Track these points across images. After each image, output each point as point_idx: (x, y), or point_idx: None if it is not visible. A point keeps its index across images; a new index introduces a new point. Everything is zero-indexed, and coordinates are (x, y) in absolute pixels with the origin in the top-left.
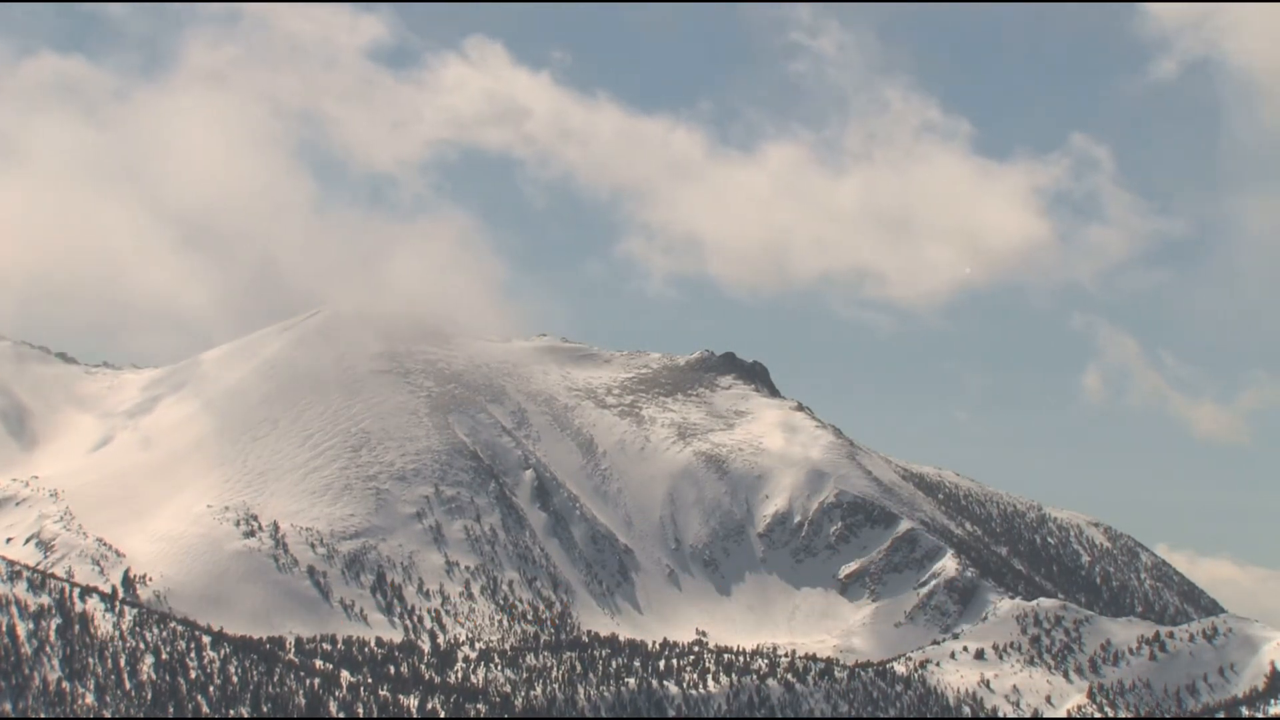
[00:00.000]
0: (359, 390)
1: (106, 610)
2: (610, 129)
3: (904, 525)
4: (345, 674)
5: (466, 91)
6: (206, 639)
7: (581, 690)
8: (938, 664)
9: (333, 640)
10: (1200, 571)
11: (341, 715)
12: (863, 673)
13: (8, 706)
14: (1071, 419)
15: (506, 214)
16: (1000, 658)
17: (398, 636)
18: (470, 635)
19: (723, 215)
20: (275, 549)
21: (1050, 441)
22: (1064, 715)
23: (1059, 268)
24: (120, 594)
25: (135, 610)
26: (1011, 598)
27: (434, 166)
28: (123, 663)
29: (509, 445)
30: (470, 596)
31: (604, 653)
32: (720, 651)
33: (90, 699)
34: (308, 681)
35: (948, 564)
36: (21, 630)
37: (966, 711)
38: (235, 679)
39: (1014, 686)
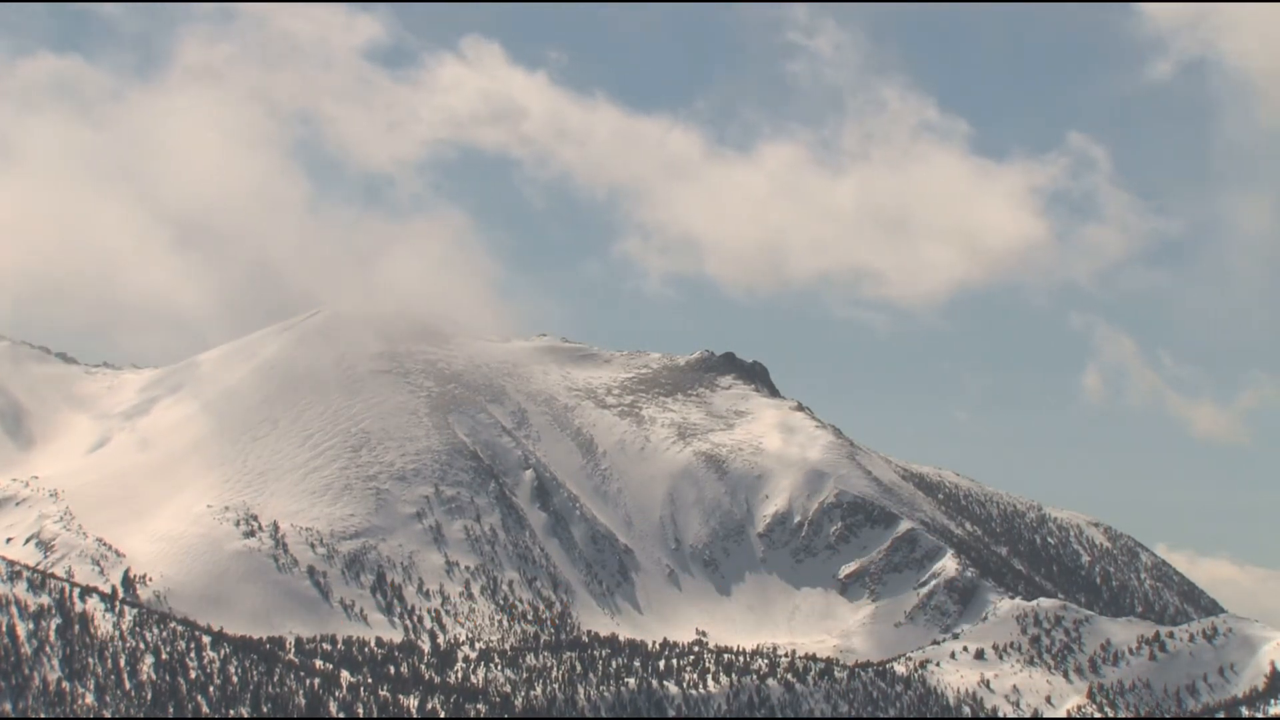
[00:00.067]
0: (359, 390)
1: (106, 610)
2: (607, 129)
3: (904, 525)
4: (345, 674)
5: (463, 91)
6: (206, 639)
7: (581, 690)
8: (938, 664)
9: (333, 640)
10: (1199, 571)
11: (341, 715)
12: (863, 673)
13: (8, 706)
14: (1071, 419)
15: (504, 214)
16: (1000, 658)
17: (398, 636)
18: (470, 635)
19: (720, 215)
20: (275, 549)
21: (1050, 441)
22: (1064, 715)
23: (1057, 267)
24: (120, 594)
25: (135, 610)
26: (1011, 598)
27: (431, 166)
28: (123, 663)
29: (509, 445)
30: (470, 596)
31: (604, 653)
32: (720, 651)
33: (90, 699)
34: (308, 681)
35: (948, 564)
36: (21, 630)
37: (966, 711)
38: (235, 679)
39: (1014, 686)
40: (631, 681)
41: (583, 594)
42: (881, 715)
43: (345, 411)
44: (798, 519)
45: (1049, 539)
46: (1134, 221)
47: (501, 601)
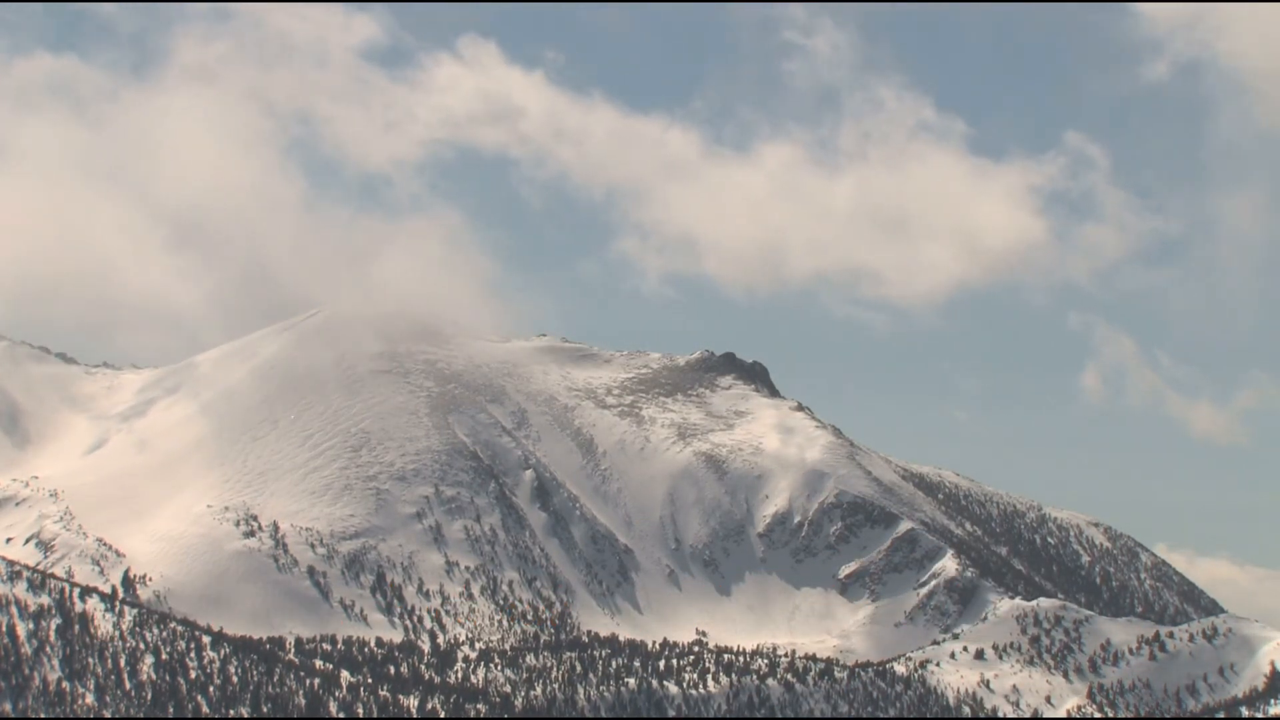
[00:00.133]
0: (359, 390)
1: (106, 610)
2: (604, 128)
3: (904, 525)
4: (345, 674)
5: (460, 91)
6: (206, 639)
7: (581, 690)
8: (937, 664)
9: (333, 640)
10: (1198, 571)
11: (341, 715)
12: (863, 673)
13: (8, 706)
14: (1070, 419)
15: (501, 213)
16: (1000, 658)
17: (398, 636)
18: (470, 635)
19: (718, 215)
20: (275, 549)
21: (1049, 442)
22: (1064, 715)
23: (1056, 267)
24: (120, 594)
25: (135, 610)
26: (1011, 598)
27: (429, 166)
28: (123, 663)
29: (509, 445)
30: (470, 596)
31: (604, 653)
32: (720, 651)
33: (90, 699)
34: (308, 681)
35: (948, 564)
36: (21, 630)
37: (966, 711)
38: (235, 679)
39: (1014, 686)
40: (631, 681)
41: (583, 594)
42: (881, 715)
43: (345, 411)
44: (798, 519)
45: (1049, 539)
46: (1132, 221)
47: (501, 601)
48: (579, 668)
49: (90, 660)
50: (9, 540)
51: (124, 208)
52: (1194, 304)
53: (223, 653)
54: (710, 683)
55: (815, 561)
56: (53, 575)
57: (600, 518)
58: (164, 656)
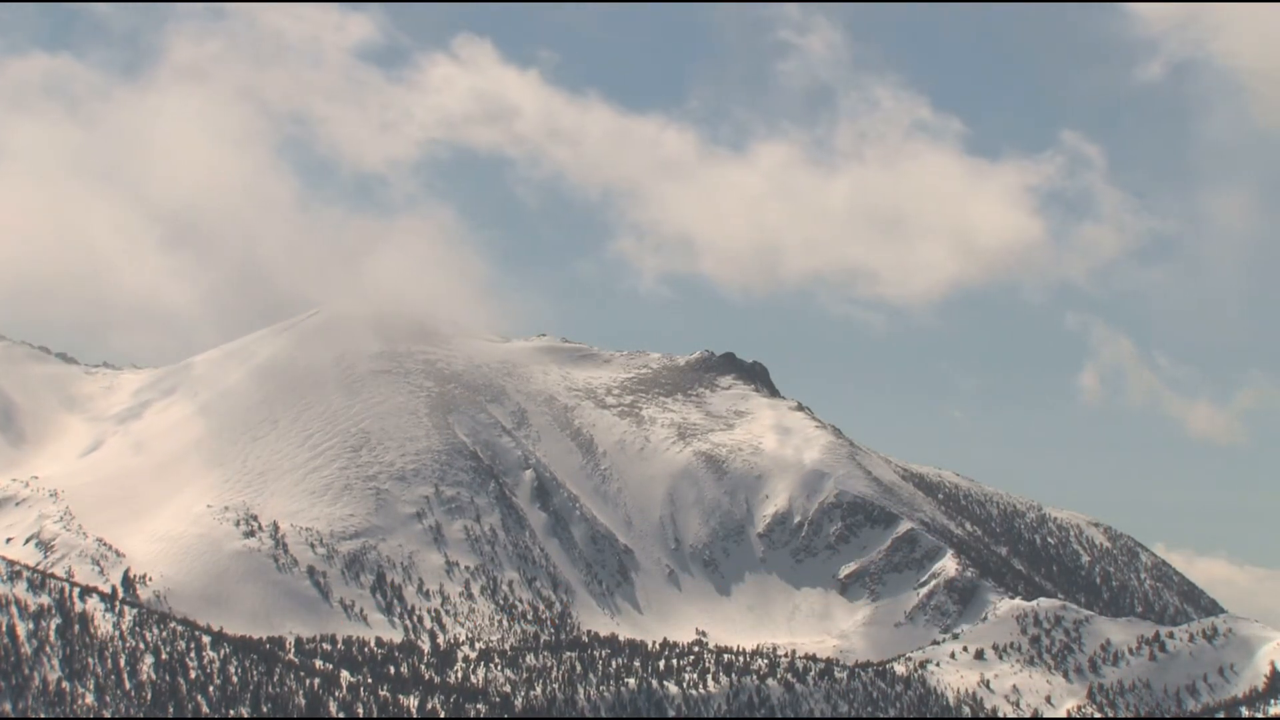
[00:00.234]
0: (359, 390)
1: (106, 610)
2: (600, 128)
3: (904, 525)
4: (345, 674)
5: (455, 91)
6: (206, 639)
7: (581, 690)
8: (937, 664)
9: (333, 640)
10: (1197, 571)
11: (341, 715)
12: (862, 673)
13: (8, 706)
14: (1068, 419)
15: (498, 213)
16: (1000, 658)
17: (398, 636)
18: (470, 635)
19: (714, 215)
20: (275, 549)
21: (1047, 441)
22: (1064, 715)
23: (1053, 266)
24: (120, 594)
25: (135, 610)
26: (1011, 598)
27: (425, 166)
28: (123, 663)
29: (509, 445)
30: (470, 596)
31: (604, 653)
32: (720, 651)
33: (90, 699)
34: (308, 681)
35: (948, 564)
36: (21, 630)
37: (966, 712)
38: (235, 679)
39: (1014, 686)
40: (631, 681)
41: (583, 594)
42: (881, 715)
43: (345, 411)
44: (797, 519)
45: (1049, 539)
46: (1130, 221)
47: (501, 601)
48: (579, 668)
49: (90, 660)
50: (9, 540)
51: (118, 207)
52: (1191, 304)
53: (223, 653)
54: (710, 683)
55: (815, 561)
56: (53, 575)
57: (600, 518)
58: (164, 656)
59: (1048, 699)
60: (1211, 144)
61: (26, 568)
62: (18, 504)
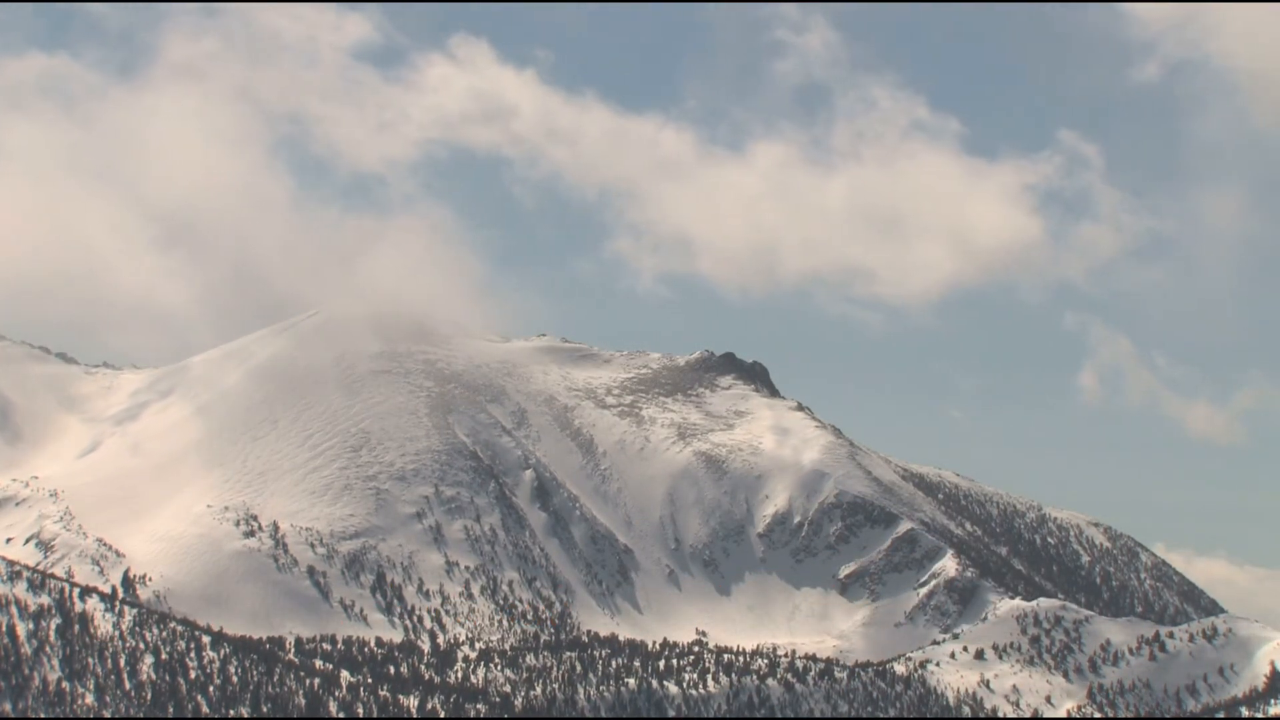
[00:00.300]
0: (359, 390)
1: (106, 610)
2: (598, 128)
3: (904, 525)
4: (345, 674)
5: (452, 90)
6: (206, 639)
7: (581, 690)
8: (937, 664)
9: (333, 640)
10: (1196, 571)
11: (341, 715)
12: (862, 673)
13: (8, 706)
14: (1067, 419)
15: (495, 213)
16: (1000, 658)
17: (398, 636)
18: (470, 635)
19: (712, 214)
20: (275, 549)
21: (1046, 441)
22: (1064, 715)
23: (1051, 266)
24: (120, 594)
25: (135, 610)
26: (1011, 598)
27: (422, 166)
28: (123, 663)
29: (509, 445)
30: (470, 596)
31: (604, 653)
32: (720, 651)
33: (90, 699)
34: (308, 681)
35: (948, 564)
36: (21, 630)
37: (966, 711)
38: (235, 679)
39: (1014, 686)
40: (631, 681)
41: (583, 594)
42: (881, 715)
43: (345, 411)
44: (797, 519)
45: (1049, 539)
46: (1128, 220)
47: (501, 601)
48: (579, 668)
49: (90, 660)
50: (9, 540)
51: (113, 206)
52: (1190, 303)
53: (223, 653)
54: (710, 683)
55: (815, 561)
56: (53, 575)
57: (600, 518)
58: (164, 656)
59: (1048, 699)
60: (1209, 144)
61: (26, 568)
62: (18, 504)
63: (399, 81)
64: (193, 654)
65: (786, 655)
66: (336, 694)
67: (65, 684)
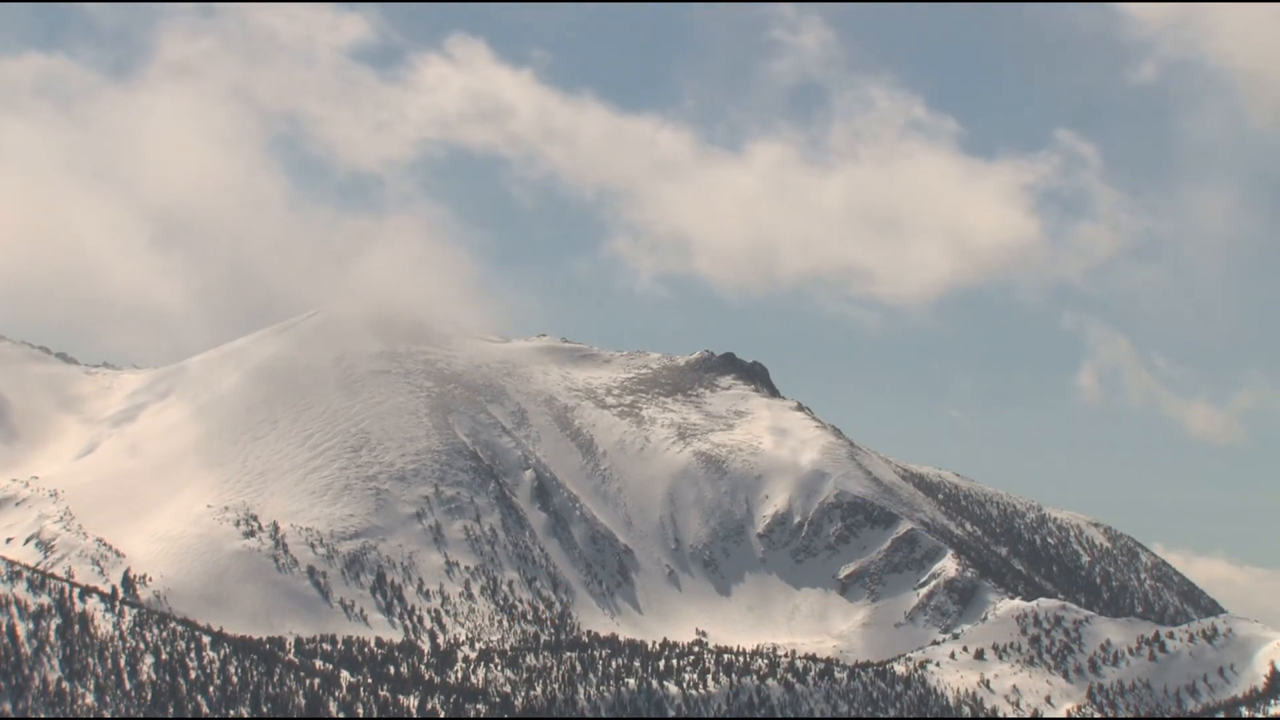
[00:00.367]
0: (358, 390)
1: (106, 610)
2: (595, 128)
3: (904, 525)
4: (345, 674)
5: (449, 90)
6: (206, 639)
7: (581, 690)
8: (937, 664)
9: (333, 640)
10: (1196, 571)
11: (341, 715)
12: (862, 673)
13: (8, 706)
14: (1066, 419)
15: (492, 213)
16: (1000, 658)
17: (398, 636)
18: (470, 635)
19: (709, 214)
20: (275, 549)
21: (1045, 441)
22: (1064, 715)
23: (1049, 266)
24: (120, 594)
25: (135, 610)
26: (1011, 598)
27: (420, 166)
28: (123, 663)
29: (509, 445)
30: (470, 596)
31: (604, 653)
32: (720, 651)
33: (90, 699)
34: (308, 681)
35: (947, 564)
36: (21, 630)
37: (966, 712)
38: (235, 679)
39: (1014, 687)
40: (631, 681)
41: (583, 594)
42: (881, 715)
43: (345, 412)
44: (797, 519)
45: (1049, 539)
46: (1126, 220)
47: (501, 601)
48: (579, 668)
49: (90, 660)
50: (9, 540)
51: (110, 206)
52: (1189, 303)
53: (223, 653)
54: (710, 683)
55: (815, 562)
56: (53, 575)
57: (600, 518)
58: (164, 656)
59: (1047, 699)
60: (1206, 143)
61: (26, 568)
62: (18, 504)
63: (396, 81)
64: (193, 654)
65: (786, 655)
66: (336, 694)
67: (65, 684)
